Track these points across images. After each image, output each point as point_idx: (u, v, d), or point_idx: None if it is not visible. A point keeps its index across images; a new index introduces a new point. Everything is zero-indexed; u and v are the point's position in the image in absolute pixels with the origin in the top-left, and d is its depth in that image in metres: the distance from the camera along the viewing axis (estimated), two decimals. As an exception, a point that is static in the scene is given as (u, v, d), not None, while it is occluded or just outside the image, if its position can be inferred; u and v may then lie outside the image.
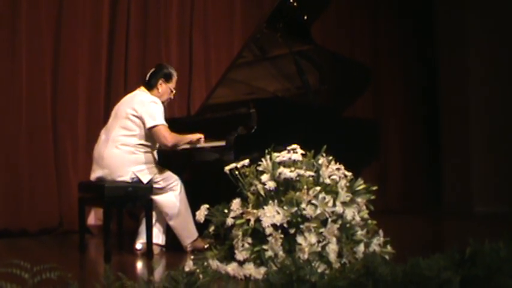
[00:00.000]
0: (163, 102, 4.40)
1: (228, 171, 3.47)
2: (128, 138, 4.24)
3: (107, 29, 5.85)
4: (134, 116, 4.24)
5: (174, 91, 4.54)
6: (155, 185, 4.25)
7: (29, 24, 5.40)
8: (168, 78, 4.46)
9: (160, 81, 4.42)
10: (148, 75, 4.49)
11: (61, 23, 5.58)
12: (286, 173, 3.27)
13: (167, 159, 4.51)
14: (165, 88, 4.45)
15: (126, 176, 4.18)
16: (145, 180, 4.21)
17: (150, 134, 4.26)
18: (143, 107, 4.24)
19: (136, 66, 5.93)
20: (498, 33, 7.54)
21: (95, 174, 4.30)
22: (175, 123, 4.76)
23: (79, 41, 5.66)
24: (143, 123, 4.23)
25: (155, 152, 4.38)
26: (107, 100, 5.74)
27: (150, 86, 4.43)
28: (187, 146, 4.42)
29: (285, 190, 3.28)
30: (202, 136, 4.38)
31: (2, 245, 4.80)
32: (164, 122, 4.27)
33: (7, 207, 5.20)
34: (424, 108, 8.30)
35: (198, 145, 4.40)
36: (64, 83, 5.58)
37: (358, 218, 3.34)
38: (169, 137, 4.25)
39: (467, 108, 7.70)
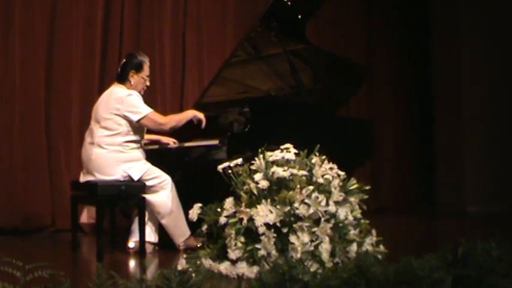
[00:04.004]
0: (139, 92, 4.36)
1: (221, 170, 3.46)
2: (112, 138, 4.21)
3: (100, 28, 5.83)
4: (115, 114, 4.21)
5: (148, 78, 4.42)
6: (146, 183, 4.22)
7: (22, 22, 5.38)
8: (138, 68, 4.35)
9: (131, 73, 4.33)
10: (119, 68, 4.42)
11: (55, 22, 5.56)
12: (279, 172, 3.26)
13: (160, 158, 4.50)
14: (137, 79, 4.34)
15: (117, 175, 4.17)
16: (136, 177, 4.19)
17: (141, 127, 4.27)
18: (122, 104, 4.20)
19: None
20: (492, 33, 7.56)
21: (85, 178, 4.28)
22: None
23: (73, 40, 5.64)
24: (128, 121, 4.21)
25: (142, 149, 4.36)
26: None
27: (123, 80, 4.35)
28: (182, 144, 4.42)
29: (278, 189, 3.28)
30: (202, 117, 4.39)
31: (-6, 243, 4.80)
32: (150, 109, 4.25)
33: (-1, 205, 5.19)
34: (418, 108, 8.32)
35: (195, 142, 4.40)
36: (57, 82, 5.57)
37: (351, 218, 3.34)
38: (163, 120, 4.29)
39: (461, 108, 7.73)
